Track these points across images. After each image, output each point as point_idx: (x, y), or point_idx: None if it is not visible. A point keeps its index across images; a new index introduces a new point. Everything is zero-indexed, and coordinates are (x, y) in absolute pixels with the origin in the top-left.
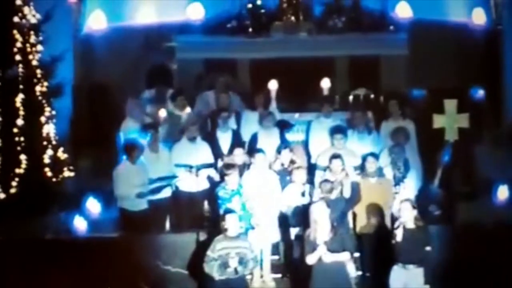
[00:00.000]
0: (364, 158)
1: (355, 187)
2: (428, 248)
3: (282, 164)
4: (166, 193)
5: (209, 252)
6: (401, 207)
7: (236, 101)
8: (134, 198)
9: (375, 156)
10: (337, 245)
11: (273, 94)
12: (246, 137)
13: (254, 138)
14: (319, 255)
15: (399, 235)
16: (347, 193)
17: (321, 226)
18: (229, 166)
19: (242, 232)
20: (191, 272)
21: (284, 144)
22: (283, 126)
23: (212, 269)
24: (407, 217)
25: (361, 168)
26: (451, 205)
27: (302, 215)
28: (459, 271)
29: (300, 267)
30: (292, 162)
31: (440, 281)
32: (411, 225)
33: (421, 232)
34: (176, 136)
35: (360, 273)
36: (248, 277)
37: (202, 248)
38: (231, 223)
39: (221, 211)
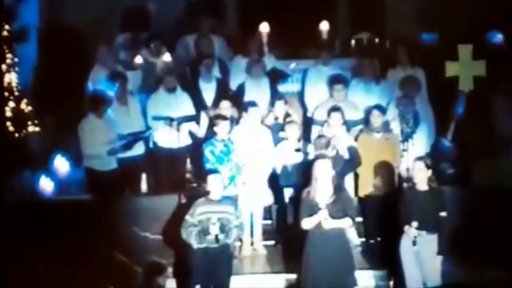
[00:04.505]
0: (368, 111)
1: (353, 152)
2: (443, 214)
3: (276, 118)
4: (139, 150)
5: (187, 217)
6: (414, 166)
7: (221, 46)
8: (103, 157)
9: (381, 109)
10: (338, 210)
11: (265, 38)
12: (234, 87)
13: (240, 89)
14: (318, 220)
15: (410, 197)
16: (344, 152)
17: (322, 186)
18: (219, 116)
19: (230, 195)
20: (169, 240)
21: (278, 95)
22: (277, 76)
23: (190, 235)
24: (420, 178)
25: (365, 122)
26: (466, 163)
27: (297, 175)
28: (474, 239)
29: (296, 233)
30: (287, 115)
31: (453, 251)
32: (424, 186)
33: (435, 195)
34: (151, 86)
35: (363, 239)
36: (237, 244)
37: (183, 212)
38: (214, 185)
39: (206, 171)
